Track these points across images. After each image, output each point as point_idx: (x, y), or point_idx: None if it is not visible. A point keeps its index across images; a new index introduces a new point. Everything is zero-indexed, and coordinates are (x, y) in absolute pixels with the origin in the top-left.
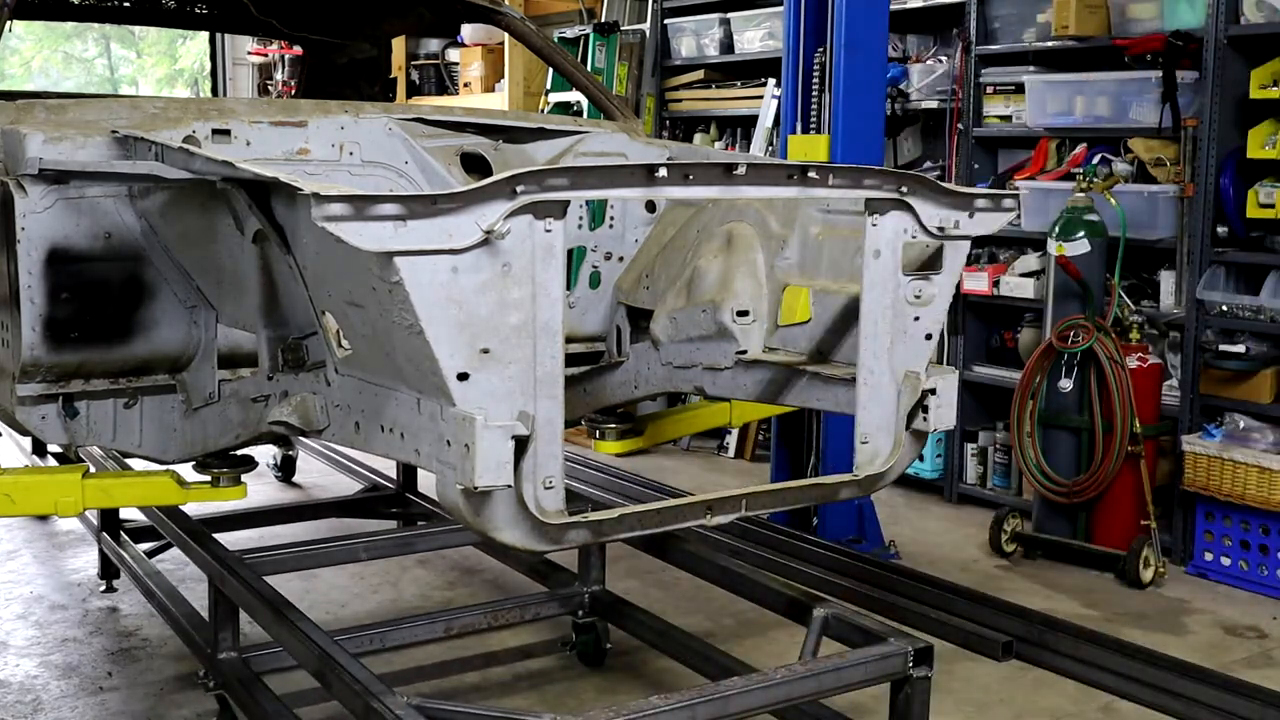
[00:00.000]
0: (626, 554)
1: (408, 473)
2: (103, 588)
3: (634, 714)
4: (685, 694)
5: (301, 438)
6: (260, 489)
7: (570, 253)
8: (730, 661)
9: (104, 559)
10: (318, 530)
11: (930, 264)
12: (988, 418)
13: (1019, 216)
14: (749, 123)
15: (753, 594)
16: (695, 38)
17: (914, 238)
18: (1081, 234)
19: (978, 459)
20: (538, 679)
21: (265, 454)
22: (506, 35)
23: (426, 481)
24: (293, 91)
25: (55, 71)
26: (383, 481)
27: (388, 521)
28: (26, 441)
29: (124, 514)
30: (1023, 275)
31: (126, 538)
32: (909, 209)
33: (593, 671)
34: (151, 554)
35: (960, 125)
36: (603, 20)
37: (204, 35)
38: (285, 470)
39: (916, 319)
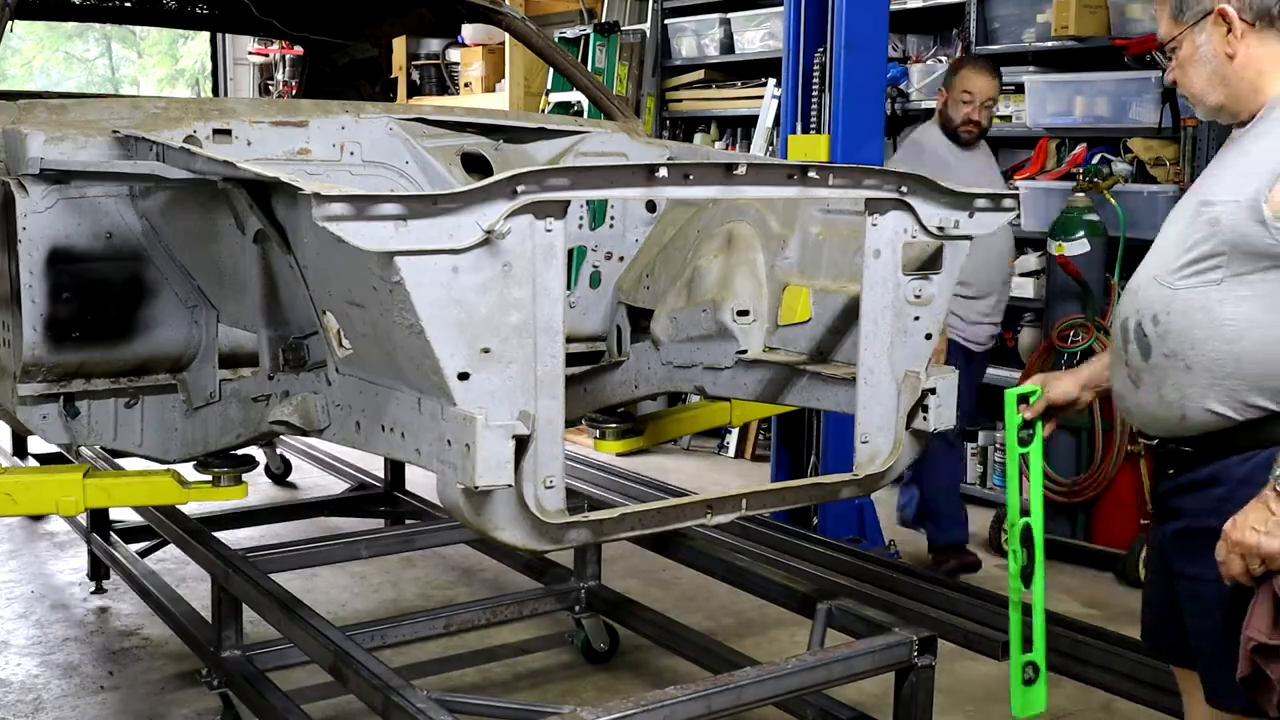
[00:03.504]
0: (626, 553)
1: (395, 471)
2: (92, 589)
3: (651, 704)
4: (700, 684)
5: (283, 437)
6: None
7: (570, 252)
8: (730, 654)
9: (93, 559)
10: (302, 530)
11: (930, 264)
12: (988, 418)
13: (1019, 216)
14: (749, 123)
15: (756, 588)
16: (695, 38)
17: (914, 237)
18: (1081, 234)
19: (978, 459)
20: (538, 676)
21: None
22: (507, 35)
23: (414, 479)
24: (293, 91)
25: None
26: (370, 480)
27: (376, 520)
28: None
29: (115, 514)
30: (1023, 275)
31: (117, 538)
32: (909, 209)
33: (593, 669)
34: (144, 554)
35: None
36: (603, 20)
37: (205, 35)
38: (282, 470)
39: (916, 319)
